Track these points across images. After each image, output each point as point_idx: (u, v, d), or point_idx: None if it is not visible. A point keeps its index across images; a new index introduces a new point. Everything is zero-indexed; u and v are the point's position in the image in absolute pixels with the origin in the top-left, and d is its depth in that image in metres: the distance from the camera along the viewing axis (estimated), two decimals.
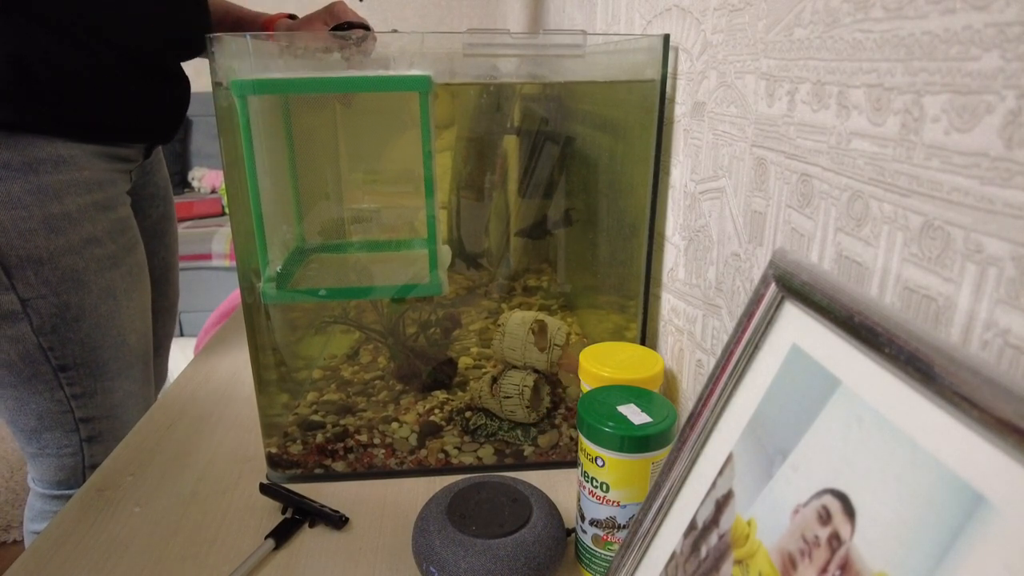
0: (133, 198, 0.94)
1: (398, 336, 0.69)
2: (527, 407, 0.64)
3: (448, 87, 0.60)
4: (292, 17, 0.95)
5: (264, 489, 0.59)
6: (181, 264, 2.37)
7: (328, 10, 0.87)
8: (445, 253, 0.67)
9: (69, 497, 0.87)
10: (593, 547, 0.49)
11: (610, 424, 0.46)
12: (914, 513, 0.24)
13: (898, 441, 0.26)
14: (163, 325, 1.04)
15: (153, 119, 0.86)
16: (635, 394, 0.50)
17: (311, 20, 0.89)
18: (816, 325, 0.31)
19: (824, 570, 0.27)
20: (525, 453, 0.65)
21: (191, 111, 2.91)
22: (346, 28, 0.80)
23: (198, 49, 0.90)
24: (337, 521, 0.56)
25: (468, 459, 0.64)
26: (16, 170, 0.71)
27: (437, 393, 0.68)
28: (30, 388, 0.78)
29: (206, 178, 3.00)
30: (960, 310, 0.30)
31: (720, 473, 0.35)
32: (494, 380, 0.65)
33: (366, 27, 0.84)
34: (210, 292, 2.64)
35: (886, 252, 0.35)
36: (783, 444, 0.31)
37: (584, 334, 0.74)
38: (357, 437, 0.65)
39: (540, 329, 0.65)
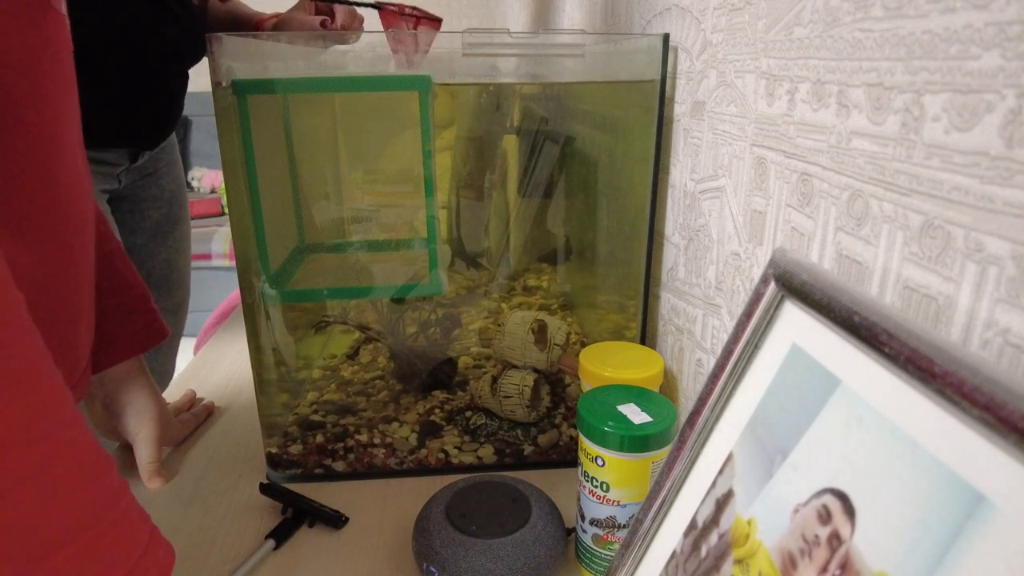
0: (130, 200, 0.95)
1: (398, 336, 0.69)
2: (527, 407, 0.64)
3: (448, 87, 0.60)
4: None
5: (264, 489, 0.59)
6: None
7: None
8: (444, 253, 0.67)
9: None
10: (593, 547, 0.49)
11: (610, 424, 0.46)
12: (914, 512, 0.24)
13: (898, 440, 0.26)
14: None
15: (129, 126, 0.86)
16: (635, 393, 0.49)
17: (295, 10, 0.88)
18: (816, 324, 0.31)
19: (824, 569, 0.27)
20: (525, 453, 0.65)
21: (191, 111, 2.91)
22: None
23: (190, 61, 0.90)
24: (337, 521, 0.56)
25: (468, 459, 0.64)
26: None
27: (437, 393, 0.68)
28: None
29: (206, 178, 3.00)
30: (960, 309, 0.30)
31: (720, 472, 0.35)
32: (494, 380, 0.65)
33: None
34: (210, 292, 2.64)
35: (886, 251, 0.35)
36: (783, 443, 0.31)
37: (584, 334, 0.74)
38: (357, 437, 0.65)
39: (540, 329, 0.65)
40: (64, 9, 0.42)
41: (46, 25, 0.40)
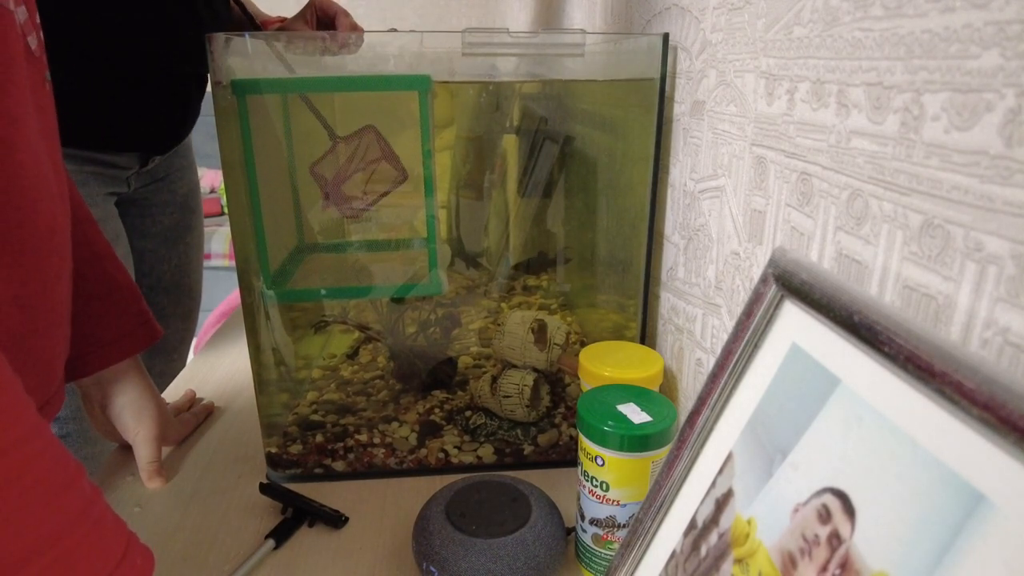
0: (141, 204, 0.93)
1: (398, 336, 0.69)
2: (527, 406, 0.64)
3: (447, 86, 0.60)
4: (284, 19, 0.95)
5: (264, 489, 0.59)
6: None
7: (310, 5, 0.87)
8: (444, 252, 0.67)
9: None
10: (593, 546, 0.49)
11: (610, 423, 0.46)
12: (914, 512, 0.24)
13: (898, 440, 0.25)
14: (175, 331, 1.03)
15: (140, 130, 0.85)
16: (635, 393, 0.49)
17: (296, 21, 0.88)
18: (816, 324, 0.31)
19: (824, 569, 0.27)
20: (525, 452, 0.65)
21: None
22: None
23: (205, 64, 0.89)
24: (337, 521, 0.56)
25: (468, 458, 0.64)
26: None
27: (437, 393, 0.68)
28: None
29: (205, 178, 2.99)
30: (960, 308, 0.30)
31: (720, 472, 0.35)
32: (494, 380, 0.65)
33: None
34: (210, 292, 2.63)
35: (886, 251, 0.35)
36: (783, 443, 0.31)
37: (583, 333, 0.74)
38: (357, 437, 0.65)
39: (540, 328, 0.65)
40: (11, 5, 0.40)
41: None
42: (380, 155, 0.58)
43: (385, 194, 0.60)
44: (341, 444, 0.64)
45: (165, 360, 1.03)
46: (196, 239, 1.04)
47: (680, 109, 0.62)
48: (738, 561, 0.32)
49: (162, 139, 0.89)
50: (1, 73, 0.39)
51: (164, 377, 0.99)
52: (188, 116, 0.92)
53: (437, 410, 0.67)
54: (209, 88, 0.54)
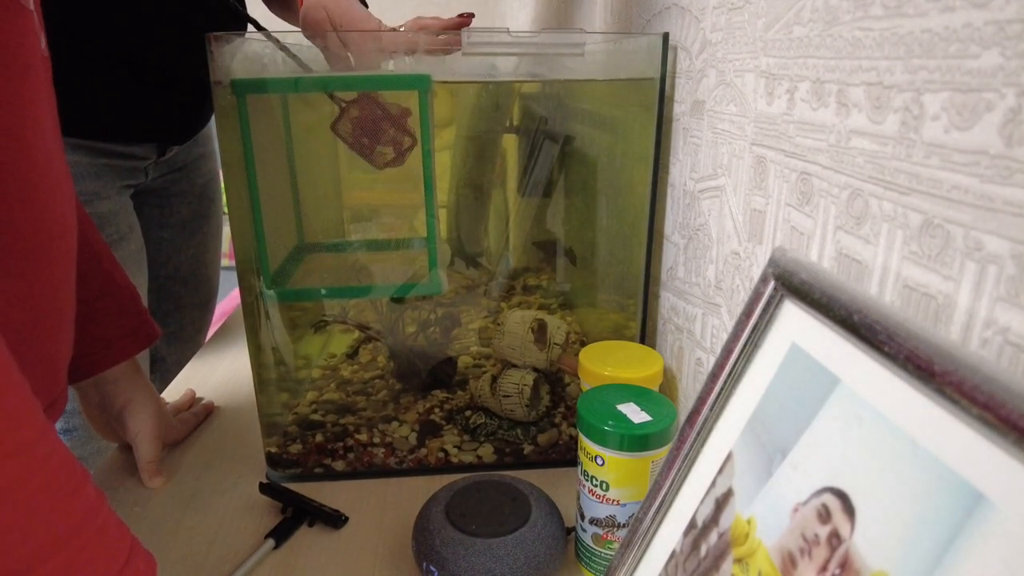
0: (158, 194, 0.93)
1: (398, 335, 0.69)
2: (526, 406, 0.64)
3: (447, 86, 0.60)
4: None
5: (264, 488, 0.59)
6: None
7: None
8: (444, 252, 0.67)
9: None
10: (593, 546, 0.49)
11: (610, 423, 0.46)
12: (914, 511, 0.24)
13: (897, 439, 0.25)
14: (192, 321, 1.04)
15: (159, 120, 0.84)
16: (635, 393, 0.49)
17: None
18: (815, 323, 0.31)
19: (824, 568, 0.27)
20: (525, 452, 0.65)
21: None
22: None
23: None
24: (337, 520, 0.56)
25: (468, 458, 0.64)
26: None
27: (437, 392, 0.68)
28: None
29: None
30: (960, 308, 0.30)
31: (720, 471, 0.35)
32: (494, 379, 0.65)
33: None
34: None
35: (886, 250, 0.35)
36: (782, 442, 0.31)
37: (583, 333, 0.74)
38: (357, 436, 0.65)
39: (540, 328, 0.65)
40: (32, 5, 0.39)
41: (17, 21, 0.37)
42: (384, 117, 0.57)
43: (406, 151, 0.58)
44: (341, 444, 0.64)
45: (181, 349, 1.03)
46: (214, 229, 1.04)
47: (680, 109, 0.62)
48: (738, 561, 0.32)
49: (179, 129, 0.88)
50: (21, 75, 0.39)
51: (180, 366, 0.99)
52: (205, 105, 0.91)
53: (437, 410, 0.67)
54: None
